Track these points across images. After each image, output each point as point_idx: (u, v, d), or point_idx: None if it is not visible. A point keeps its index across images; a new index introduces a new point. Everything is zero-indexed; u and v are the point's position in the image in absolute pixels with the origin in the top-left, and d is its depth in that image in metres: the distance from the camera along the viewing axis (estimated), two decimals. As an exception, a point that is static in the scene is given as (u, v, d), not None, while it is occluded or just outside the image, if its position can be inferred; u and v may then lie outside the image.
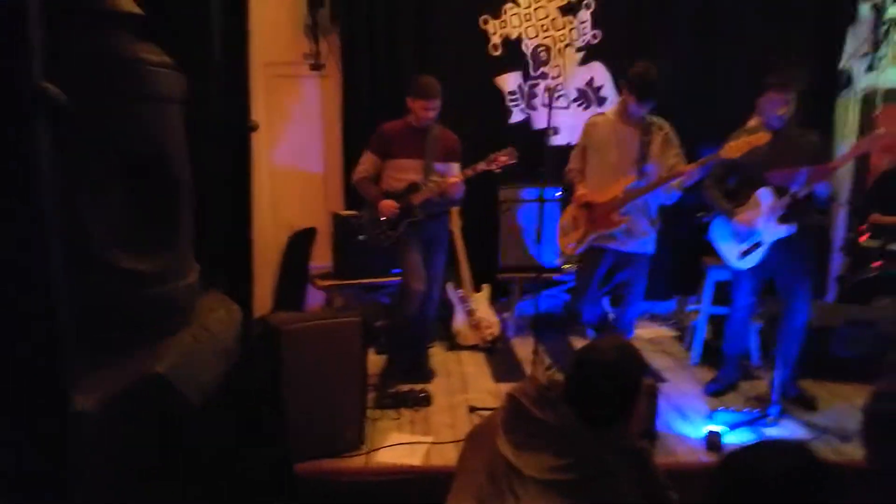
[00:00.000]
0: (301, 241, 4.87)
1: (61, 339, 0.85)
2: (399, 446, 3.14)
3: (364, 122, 4.74)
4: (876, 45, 5.13)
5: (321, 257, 4.83)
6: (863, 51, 5.15)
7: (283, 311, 3.67)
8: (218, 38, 1.66)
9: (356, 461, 3.02)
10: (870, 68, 5.16)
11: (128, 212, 1.11)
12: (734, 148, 3.28)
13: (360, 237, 4.07)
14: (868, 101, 5.21)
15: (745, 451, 1.20)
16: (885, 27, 5.08)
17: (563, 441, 1.49)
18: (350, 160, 4.77)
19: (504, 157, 3.74)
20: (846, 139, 5.19)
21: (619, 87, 4.67)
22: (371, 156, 3.82)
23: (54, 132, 0.86)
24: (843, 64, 5.12)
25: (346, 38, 4.86)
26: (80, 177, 0.97)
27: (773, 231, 3.40)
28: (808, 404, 3.57)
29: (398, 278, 3.93)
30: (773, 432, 3.29)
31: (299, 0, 4.78)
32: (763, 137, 3.25)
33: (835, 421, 3.39)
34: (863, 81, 5.19)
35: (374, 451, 3.09)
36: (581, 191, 3.75)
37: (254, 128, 1.87)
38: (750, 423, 3.33)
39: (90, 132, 0.99)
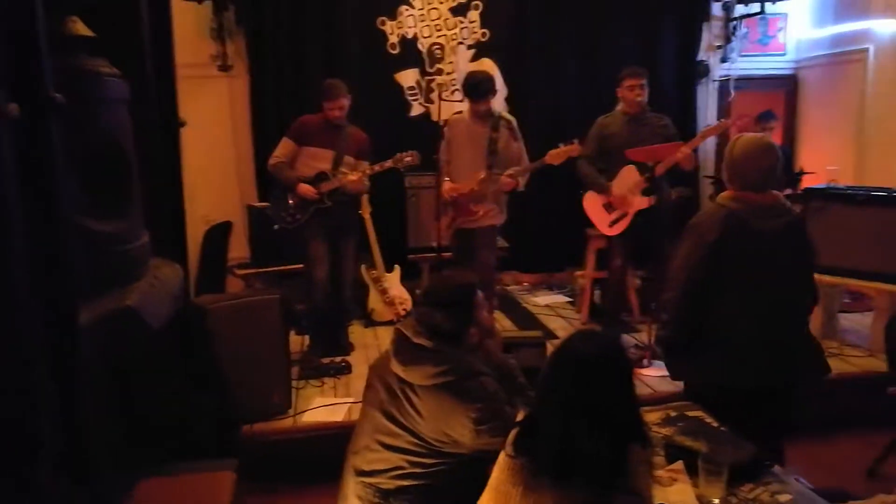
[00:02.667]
0: (218, 234, 5.11)
1: (69, 275, 1.18)
2: (323, 407, 3.50)
3: (272, 120, 5.06)
4: (727, 39, 5.88)
5: (238, 249, 5.09)
6: (717, 44, 5.89)
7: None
8: (148, 49, 1.97)
9: (285, 422, 3.37)
10: (723, 60, 5.91)
11: (92, 188, 1.43)
12: (555, 156, 3.93)
13: (275, 227, 4.37)
14: (723, 88, 5.96)
15: (569, 337, 1.65)
16: (734, 23, 5.83)
17: (436, 355, 1.94)
18: (260, 155, 5.07)
19: (408, 159, 4.12)
20: (707, 122, 5.91)
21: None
22: (288, 142, 4.09)
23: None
24: (700, 56, 5.84)
25: (253, 41, 5.13)
26: (64, 162, 1.30)
27: (637, 203, 3.99)
28: None
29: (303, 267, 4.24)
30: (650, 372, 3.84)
31: (205, 4, 4.98)
32: (575, 149, 3.91)
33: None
34: (718, 71, 5.94)
35: (300, 413, 3.45)
36: (447, 186, 4.20)
37: (182, 124, 2.19)
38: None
39: (68, 127, 1.31)
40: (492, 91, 4.12)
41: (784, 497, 1.82)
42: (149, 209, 1.82)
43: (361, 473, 2.00)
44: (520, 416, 1.68)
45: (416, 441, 1.94)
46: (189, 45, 4.98)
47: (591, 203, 4.23)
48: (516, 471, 1.59)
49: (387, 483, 1.96)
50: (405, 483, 1.95)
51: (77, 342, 1.20)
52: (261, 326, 3.31)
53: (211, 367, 2.89)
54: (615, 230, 4.11)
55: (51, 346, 1.17)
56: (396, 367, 1.97)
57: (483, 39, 5.42)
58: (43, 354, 1.09)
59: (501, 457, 1.65)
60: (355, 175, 4.04)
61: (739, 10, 5.76)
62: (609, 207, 4.14)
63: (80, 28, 1.54)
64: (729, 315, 2.36)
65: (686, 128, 5.41)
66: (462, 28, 5.38)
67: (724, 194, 2.43)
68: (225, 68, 5.17)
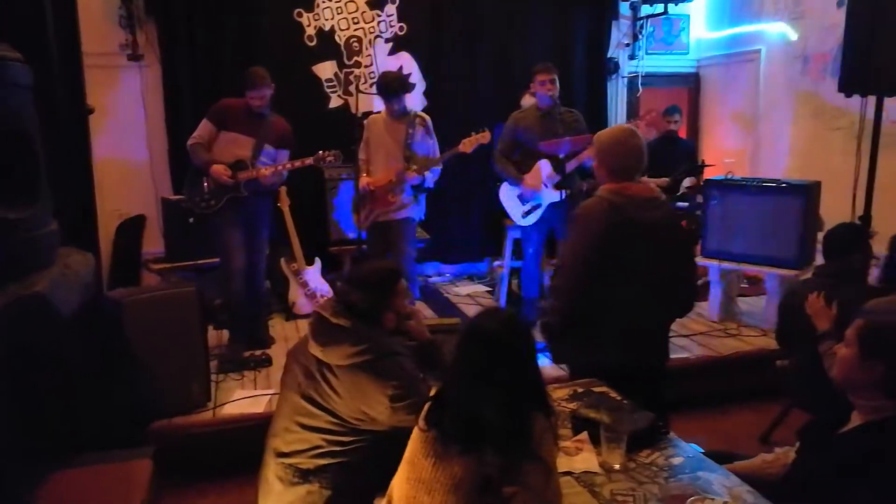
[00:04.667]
0: (131, 228, 4.96)
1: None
2: (243, 400, 3.49)
3: (187, 111, 4.95)
4: (635, 37, 6.17)
5: (153, 243, 4.96)
6: (625, 42, 6.16)
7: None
8: (52, 34, 1.94)
9: (205, 416, 3.33)
10: (631, 57, 6.20)
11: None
12: (467, 144, 4.11)
13: (190, 220, 4.29)
14: (632, 84, 6.25)
15: (475, 316, 1.75)
16: (640, 22, 6.12)
17: (354, 335, 2.00)
18: (175, 146, 4.96)
19: (330, 158, 4.09)
20: (617, 116, 6.19)
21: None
22: (208, 124, 3.99)
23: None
24: (610, 53, 6.10)
25: (164, 30, 5.00)
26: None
27: (549, 195, 4.16)
28: None
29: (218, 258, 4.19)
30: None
31: (112, -9, 4.83)
32: (486, 137, 4.10)
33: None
34: (627, 68, 6.22)
35: (220, 406, 3.42)
36: (365, 180, 4.27)
37: (90, 111, 2.15)
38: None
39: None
40: (404, 89, 4.23)
41: (677, 460, 1.98)
42: (58, 197, 1.79)
43: (281, 455, 2.04)
44: (432, 391, 1.76)
45: (334, 420, 1.99)
46: (97, 34, 4.81)
47: (507, 195, 4.38)
48: (428, 442, 1.68)
49: (306, 462, 2.00)
50: (323, 462, 2.00)
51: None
52: (178, 320, 3.26)
53: (124, 359, 2.84)
54: (528, 220, 4.28)
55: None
56: (315, 349, 2.02)
57: (400, 33, 5.47)
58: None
59: (415, 430, 1.73)
60: (268, 170, 3.98)
61: (645, 9, 6.05)
62: (523, 199, 4.29)
63: (-20, 11, 1.51)
64: (605, 301, 2.46)
65: (597, 122, 5.64)
66: (379, 21, 5.42)
67: (604, 187, 2.48)
68: (135, 57, 5.02)
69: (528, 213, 4.27)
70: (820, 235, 4.24)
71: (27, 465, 1.69)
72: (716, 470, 1.91)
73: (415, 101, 5.35)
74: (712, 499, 1.73)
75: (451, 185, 5.28)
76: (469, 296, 5.41)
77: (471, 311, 4.98)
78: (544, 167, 4.20)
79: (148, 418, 3.12)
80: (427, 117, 4.32)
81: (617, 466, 1.92)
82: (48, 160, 1.78)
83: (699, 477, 1.87)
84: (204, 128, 4.00)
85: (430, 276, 5.93)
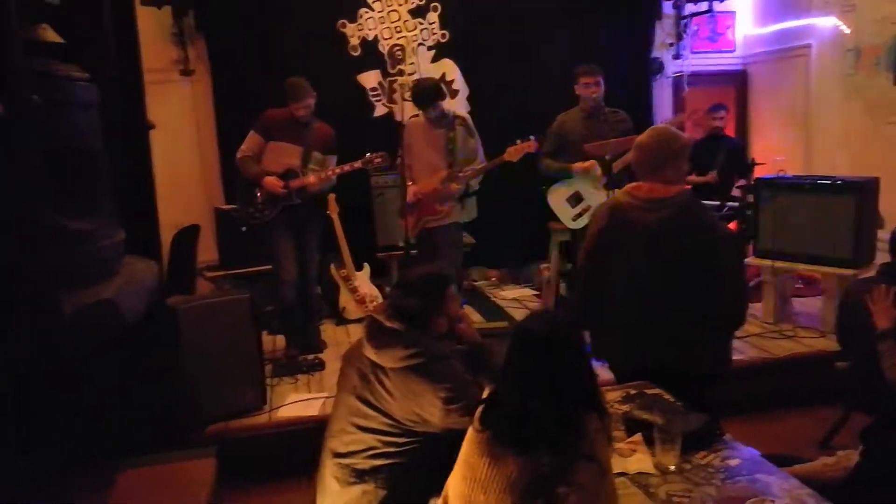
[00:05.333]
0: (186, 238, 5.11)
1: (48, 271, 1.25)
2: (297, 402, 3.56)
3: (236, 123, 5.05)
4: (679, 37, 6.09)
5: (207, 252, 5.10)
6: (669, 41, 6.09)
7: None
8: (114, 54, 2.03)
9: (260, 419, 3.42)
10: (676, 56, 6.12)
11: (64, 187, 1.50)
12: (512, 152, 4.07)
13: (243, 229, 4.40)
14: (677, 84, 6.16)
15: (524, 319, 1.76)
16: (684, 21, 6.04)
17: (406, 339, 2.04)
18: (226, 158, 5.09)
19: (378, 160, 4.16)
20: (663, 116, 6.11)
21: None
22: (255, 136, 4.10)
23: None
24: (654, 53, 6.03)
25: (213, 45, 5.16)
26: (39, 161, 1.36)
27: (597, 196, 4.13)
28: None
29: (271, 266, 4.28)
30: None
31: (164, 9, 4.99)
32: (532, 145, 4.04)
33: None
34: (671, 68, 6.14)
35: (275, 409, 3.50)
36: (412, 190, 4.28)
37: (151, 126, 2.24)
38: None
39: (42, 129, 1.37)
40: (438, 96, 4.19)
41: (734, 461, 1.95)
42: (123, 209, 1.88)
43: (337, 455, 2.08)
44: (485, 393, 1.78)
45: (388, 422, 2.03)
46: (151, 50, 4.97)
47: (556, 200, 4.38)
48: (482, 443, 1.70)
49: (361, 463, 2.04)
50: (379, 462, 2.04)
51: (59, 331, 1.27)
52: (232, 326, 3.36)
53: (181, 364, 2.94)
54: (579, 223, 4.27)
55: (37, 334, 1.23)
56: (369, 352, 2.06)
57: (443, 41, 5.52)
58: (33, 340, 1.16)
59: (469, 431, 1.75)
60: (317, 176, 4.07)
61: (689, 8, 5.97)
62: (573, 201, 4.29)
63: (51, 35, 1.60)
64: (612, 300, 2.51)
65: (643, 123, 5.55)
66: (422, 29, 5.47)
67: (625, 187, 2.56)
68: (187, 73, 5.19)
69: (578, 215, 4.26)
70: (881, 233, 4.12)
71: (97, 465, 1.77)
72: (774, 473, 1.88)
73: (458, 108, 5.37)
74: (772, 501, 1.71)
75: (495, 189, 5.26)
76: (516, 299, 5.41)
77: (518, 314, 4.97)
78: (591, 167, 4.20)
79: (205, 422, 3.22)
80: (467, 117, 4.32)
81: (672, 468, 1.91)
82: (113, 173, 1.87)
83: (757, 479, 1.84)
84: (251, 140, 4.10)
85: (476, 280, 5.95)
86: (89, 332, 1.39)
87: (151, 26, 5.04)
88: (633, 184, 2.47)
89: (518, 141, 4.05)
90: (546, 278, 5.20)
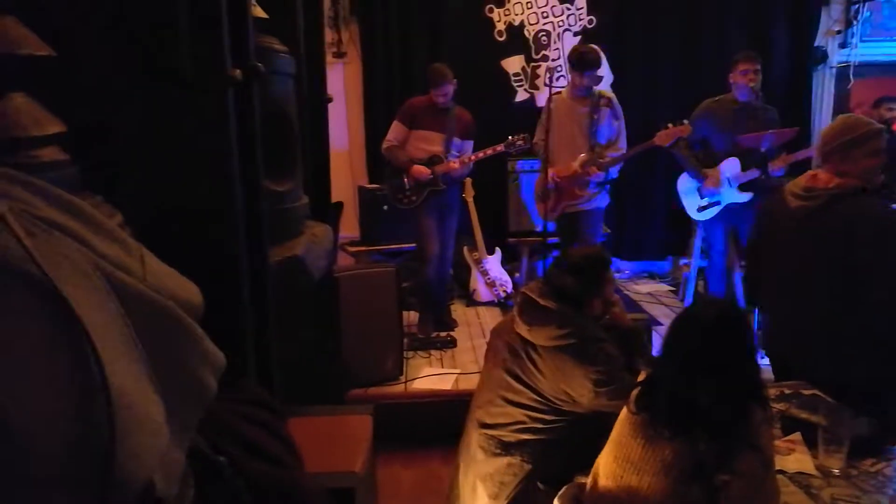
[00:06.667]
0: (331, 213, 5.38)
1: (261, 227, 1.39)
2: (432, 376, 3.69)
3: (383, 104, 5.29)
4: (848, 23, 5.64)
5: (349, 228, 5.36)
6: (836, 28, 5.66)
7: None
8: (302, 33, 2.19)
9: (397, 388, 3.58)
10: (842, 45, 5.67)
11: (268, 153, 1.64)
12: (664, 136, 3.89)
13: (385, 207, 4.58)
14: (841, 74, 5.72)
15: (693, 303, 1.74)
16: (856, 7, 5.58)
17: (560, 318, 2.05)
18: (372, 139, 5.31)
19: (521, 142, 4.21)
20: (822, 111, 5.70)
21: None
22: (399, 125, 4.28)
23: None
24: (818, 40, 5.63)
25: (365, 29, 5.37)
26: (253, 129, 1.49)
27: (732, 196, 3.96)
28: None
29: (415, 244, 4.46)
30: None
31: (322, -5, 5.25)
32: (686, 129, 3.85)
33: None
34: (837, 57, 5.70)
35: (411, 380, 3.65)
36: (551, 171, 4.13)
37: (330, 100, 2.41)
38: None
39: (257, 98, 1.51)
40: (598, 64, 4.08)
41: (907, 472, 1.83)
42: (304, 175, 2.02)
43: (484, 426, 2.15)
44: (642, 376, 1.77)
45: (537, 398, 2.06)
46: (308, 34, 5.29)
47: (685, 186, 4.27)
48: (638, 425, 1.70)
49: (508, 436, 2.09)
50: (525, 437, 2.08)
51: (267, 281, 1.40)
52: (378, 296, 3.53)
53: (337, 329, 3.11)
54: (703, 215, 4.14)
55: (251, 283, 1.37)
56: (521, 328, 2.10)
57: (590, 26, 5.44)
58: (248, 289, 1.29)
59: (623, 412, 1.76)
60: (458, 161, 4.18)
61: (863, -8, 5.52)
62: (700, 192, 4.14)
63: (258, 11, 1.75)
64: (764, 290, 2.46)
65: (798, 117, 5.25)
66: (569, 15, 5.42)
67: None
68: (339, 55, 5.44)
69: (703, 208, 4.11)
70: None
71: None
72: (957, 488, 1.74)
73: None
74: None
75: (632, 179, 5.15)
76: (650, 294, 5.27)
77: (653, 309, 4.86)
78: (729, 167, 3.99)
79: (348, 385, 3.40)
80: (613, 96, 4.20)
81: (836, 471, 1.82)
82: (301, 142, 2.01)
83: (937, 493, 1.72)
84: (396, 129, 4.28)
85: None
86: (285, 283, 1.52)
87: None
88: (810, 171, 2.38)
89: (670, 125, 3.91)
90: (684, 275, 5.04)
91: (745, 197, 3.91)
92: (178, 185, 1.21)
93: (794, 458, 1.90)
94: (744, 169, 3.92)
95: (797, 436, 1.98)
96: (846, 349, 2.19)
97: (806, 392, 2.31)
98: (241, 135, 1.31)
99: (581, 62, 4.01)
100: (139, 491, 0.56)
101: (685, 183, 4.26)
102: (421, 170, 4.16)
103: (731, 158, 3.98)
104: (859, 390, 2.18)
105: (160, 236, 0.85)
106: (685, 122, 3.90)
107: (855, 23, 5.62)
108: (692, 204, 4.22)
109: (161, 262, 0.74)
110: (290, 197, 1.74)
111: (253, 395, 1.16)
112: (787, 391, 2.34)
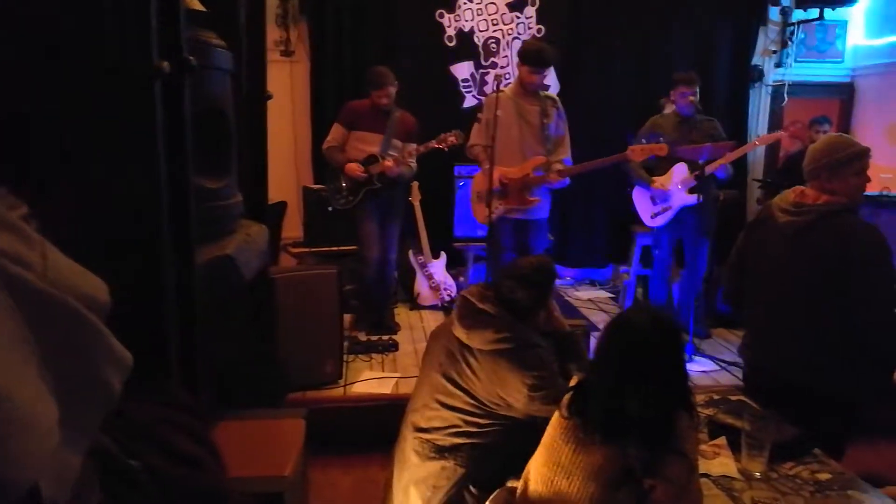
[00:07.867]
0: (273, 213, 5.30)
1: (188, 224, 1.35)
2: (371, 380, 3.66)
3: (330, 104, 5.22)
4: (784, 44, 5.87)
5: (292, 228, 5.28)
6: (772, 49, 5.88)
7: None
8: (243, 28, 2.15)
9: (336, 392, 3.53)
10: (778, 64, 5.90)
11: (201, 147, 1.59)
12: (638, 151, 3.92)
13: (329, 209, 4.54)
14: (776, 93, 5.95)
15: (625, 309, 1.77)
16: (791, 29, 5.82)
17: (499, 322, 2.06)
18: (318, 139, 5.24)
19: (452, 138, 4.21)
20: (758, 126, 5.92)
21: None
22: (339, 127, 4.28)
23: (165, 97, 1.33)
24: (755, 60, 5.84)
25: (315, 28, 5.31)
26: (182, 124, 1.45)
27: (682, 199, 4.09)
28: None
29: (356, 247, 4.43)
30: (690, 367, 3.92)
31: (270, -8, 5.17)
32: (664, 149, 3.85)
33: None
34: (772, 76, 5.93)
35: (350, 384, 3.61)
36: (499, 172, 3.90)
37: (269, 97, 2.36)
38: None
39: (188, 92, 1.47)
40: (552, 64, 4.04)
41: (824, 476, 1.90)
42: (238, 173, 1.98)
43: (419, 430, 2.13)
44: (574, 381, 1.79)
45: (472, 402, 2.07)
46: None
47: (639, 195, 4.37)
48: (569, 430, 1.71)
49: (443, 440, 2.09)
50: (460, 441, 2.07)
51: (193, 281, 1.36)
52: (319, 298, 3.48)
53: (274, 331, 3.06)
54: (656, 222, 4.26)
55: (176, 281, 1.32)
56: (459, 332, 2.10)
57: (538, 35, 5.51)
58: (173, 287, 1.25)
59: (555, 417, 1.77)
60: (390, 161, 4.15)
61: (798, 14, 5.75)
62: (654, 200, 4.26)
63: (194, 3, 1.70)
64: (747, 301, 2.53)
65: (736, 131, 5.42)
66: (518, 23, 5.48)
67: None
68: (287, 53, 5.36)
69: (657, 214, 4.23)
70: None
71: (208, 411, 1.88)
72: (868, 491, 1.82)
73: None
74: (865, 517, 1.66)
75: (575, 187, 5.22)
76: (591, 300, 5.36)
77: (593, 316, 4.94)
78: (678, 171, 4.13)
79: (286, 389, 3.34)
80: (558, 99, 4.15)
81: (757, 475, 1.88)
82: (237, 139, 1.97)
83: (849, 496, 1.80)
84: (336, 131, 4.28)
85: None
86: (214, 283, 1.48)
87: (258, 7, 5.23)
88: (797, 187, 2.39)
89: (644, 140, 3.96)
90: (624, 282, 5.15)
91: (692, 199, 4.02)
92: (98, 179, 1.17)
93: (718, 462, 1.95)
94: (691, 173, 4.07)
95: (722, 440, 2.04)
96: (831, 359, 2.24)
97: (733, 398, 2.39)
98: (170, 129, 1.27)
99: (539, 59, 3.88)
100: (21, 494, 0.53)
101: (639, 192, 4.39)
102: (354, 167, 4.15)
103: (678, 165, 4.13)
104: (836, 399, 2.25)
105: (77, 232, 0.81)
106: (661, 139, 3.93)
107: (790, 44, 5.86)
108: (646, 211, 4.34)
109: (66, 257, 0.71)
110: (223, 194, 1.70)
111: (174, 397, 1.13)
112: (715, 396, 2.41)
